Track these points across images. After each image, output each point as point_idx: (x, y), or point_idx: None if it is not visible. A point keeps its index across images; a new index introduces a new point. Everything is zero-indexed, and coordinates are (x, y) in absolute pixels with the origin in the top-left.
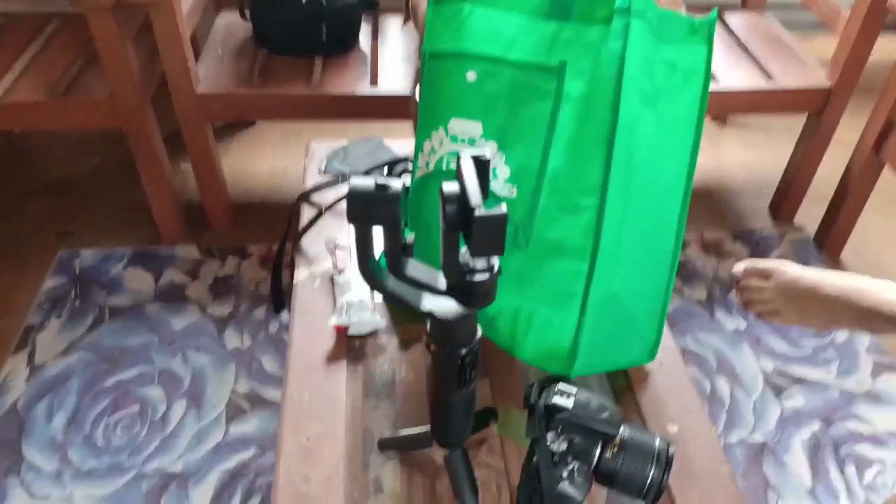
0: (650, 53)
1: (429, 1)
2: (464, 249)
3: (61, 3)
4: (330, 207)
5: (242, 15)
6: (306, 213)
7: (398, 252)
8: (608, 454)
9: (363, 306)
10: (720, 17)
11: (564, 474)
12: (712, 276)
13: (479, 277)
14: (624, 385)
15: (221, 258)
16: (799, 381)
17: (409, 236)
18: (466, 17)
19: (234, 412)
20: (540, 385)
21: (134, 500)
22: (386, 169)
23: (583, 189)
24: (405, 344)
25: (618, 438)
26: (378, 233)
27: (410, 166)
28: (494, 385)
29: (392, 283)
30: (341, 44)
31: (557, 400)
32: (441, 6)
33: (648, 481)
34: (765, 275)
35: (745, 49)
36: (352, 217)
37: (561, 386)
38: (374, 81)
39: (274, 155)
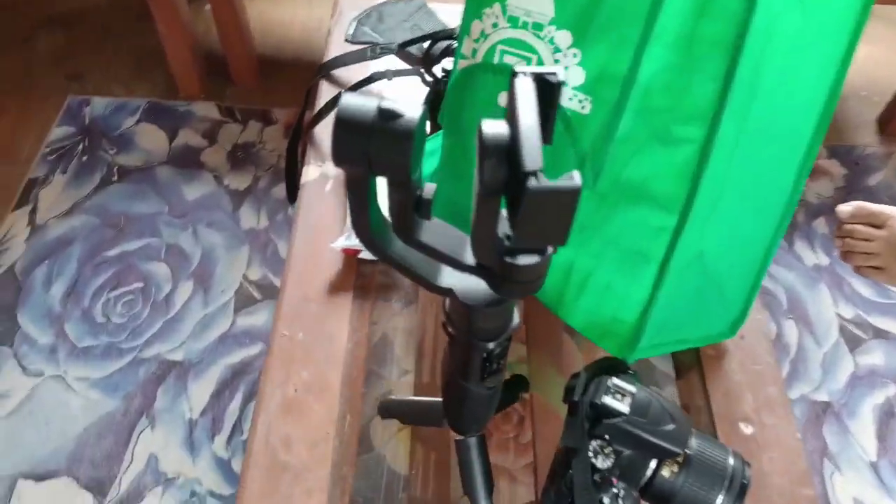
0: None
1: None
2: (505, 215)
3: None
4: (352, 90)
5: None
6: (326, 90)
7: (409, 210)
8: (666, 472)
9: None
10: None
11: (606, 500)
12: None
13: (523, 260)
14: (690, 362)
15: (243, 121)
16: (881, 334)
17: (427, 188)
18: None
19: (243, 300)
20: (588, 375)
21: (129, 387)
22: (427, 44)
23: (687, 112)
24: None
25: (682, 453)
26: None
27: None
28: (532, 340)
29: (400, 248)
30: None
31: (609, 401)
32: None
33: None
34: (877, 221)
35: None
36: (339, 157)
37: (616, 381)
38: None
39: (308, 3)
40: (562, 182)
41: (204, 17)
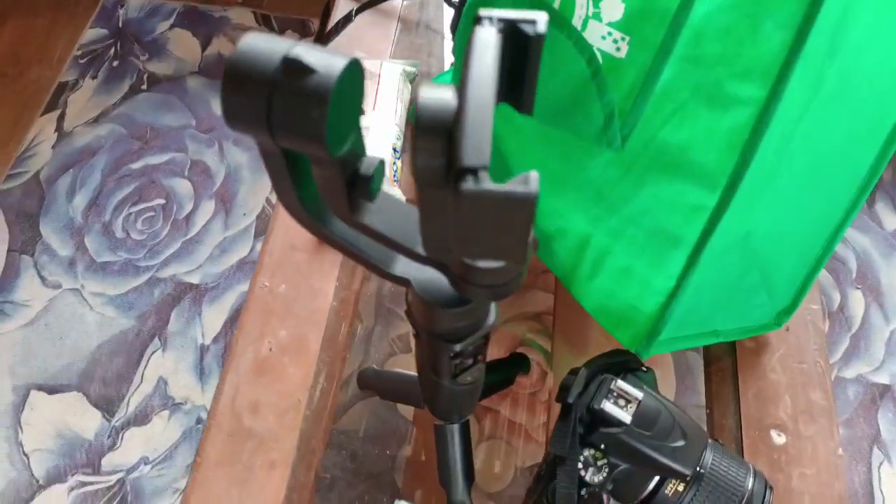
0: None
1: None
2: None
3: None
4: (365, 8)
5: None
6: (342, 5)
7: (340, 190)
8: (668, 491)
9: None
10: None
11: None
12: None
13: (483, 264)
14: (723, 352)
15: (280, 30)
16: None
17: (367, 162)
18: None
19: (264, 226)
20: (589, 373)
21: (144, 306)
22: None
23: (746, 67)
24: None
25: (715, 461)
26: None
27: None
28: (560, 314)
29: (343, 231)
30: None
31: (609, 407)
32: None
33: None
34: None
35: None
36: (231, 118)
37: (621, 384)
38: None
39: None
40: (511, 186)
41: None
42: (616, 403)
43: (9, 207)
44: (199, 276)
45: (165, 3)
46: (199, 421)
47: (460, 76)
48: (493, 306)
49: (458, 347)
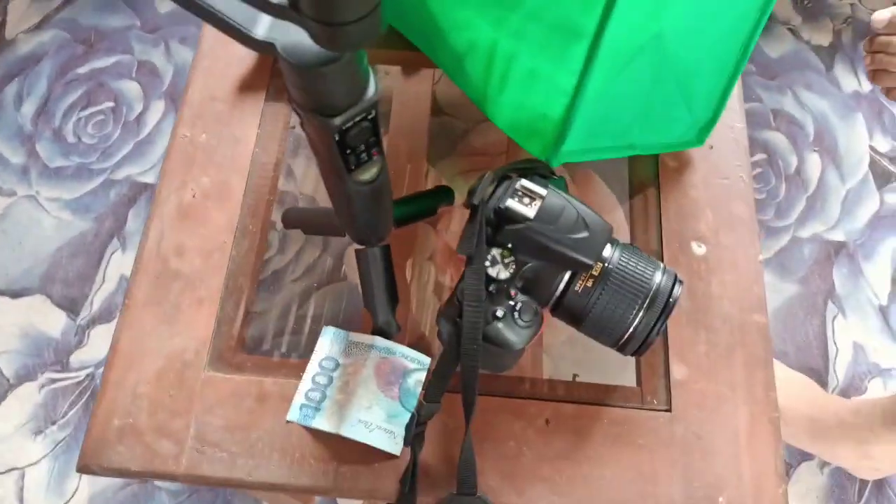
0: None
1: None
2: None
3: None
4: None
5: None
6: None
7: None
8: (577, 287)
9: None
10: None
11: (500, 312)
12: (847, 15)
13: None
14: (648, 175)
15: None
16: None
17: None
18: None
19: None
20: (495, 176)
21: (101, 208)
22: None
23: None
24: None
25: (598, 266)
26: None
27: None
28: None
29: None
30: None
31: (513, 204)
32: None
33: (630, 330)
34: None
35: None
36: None
37: (525, 183)
38: None
39: None
40: None
41: None
42: (520, 201)
43: None
44: (153, 176)
45: None
46: None
47: None
48: (371, 78)
49: (338, 121)
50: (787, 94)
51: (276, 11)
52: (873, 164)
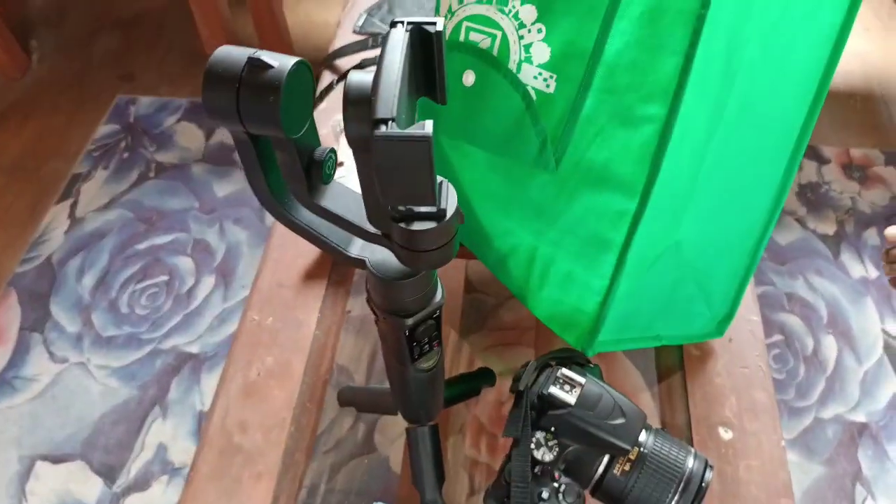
0: None
1: None
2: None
3: None
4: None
5: None
6: (327, 80)
7: (299, 173)
8: (616, 470)
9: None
10: None
11: (545, 493)
12: (849, 207)
13: (417, 226)
14: (674, 363)
15: None
16: None
17: (319, 150)
18: None
19: None
20: (538, 365)
21: (145, 376)
22: None
23: (649, 90)
24: None
25: (634, 451)
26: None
27: None
28: (540, 346)
29: (305, 215)
30: None
31: (555, 391)
32: None
33: None
34: None
35: None
36: (210, 110)
37: (566, 372)
38: None
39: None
40: (411, 130)
41: (244, 21)
42: (562, 388)
43: (22, 289)
44: (198, 346)
45: (173, 100)
46: None
47: (377, 64)
48: (439, 286)
49: (410, 322)
50: (798, 278)
51: (371, 238)
52: (888, 347)
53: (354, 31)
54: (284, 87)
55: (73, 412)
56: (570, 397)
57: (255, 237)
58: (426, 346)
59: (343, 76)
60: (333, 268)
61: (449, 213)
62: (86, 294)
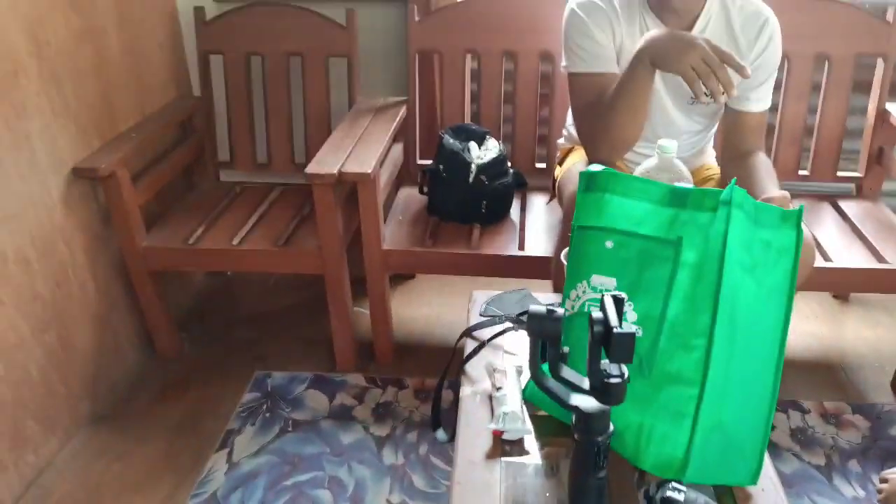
0: (748, 234)
1: (579, 189)
2: (603, 362)
3: (281, 176)
4: (489, 340)
5: (421, 191)
6: (469, 345)
7: (557, 359)
8: None
9: (516, 417)
10: (835, 205)
11: None
12: (832, 444)
13: (614, 381)
14: (729, 502)
15: (383, 387)
16: None
17: (565, 348)
18: (607, 202)
19: None
20: (658, 483)
21: None
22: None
23: (695, 332)
24: (544, 446)
25: None
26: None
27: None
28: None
29: (551, 383)
30: (497, 215)
31: (671, 493)
32: (588, 194)
33: None
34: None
35: (858, 233)
36: (529, 331)
37: (674, 484)
38: (521, 246)
39: (430, 304)
40: (627, 328)
41: (355, 315)
42: (673, 492)
43: None
44: None
45: (300, 373)
46: None
47: (601, 308)
48: (610, 423)
49: (599, 439)
50: (804, 498)
51: (585, 392)
52: None
53: (480, 314)
54: (563, 321)
55: None
56: (680, 497)
57: (377, 472)
58: (604, 459)
59: (482, 344)
60: (502, 451)
61: (625, 376)
62: None
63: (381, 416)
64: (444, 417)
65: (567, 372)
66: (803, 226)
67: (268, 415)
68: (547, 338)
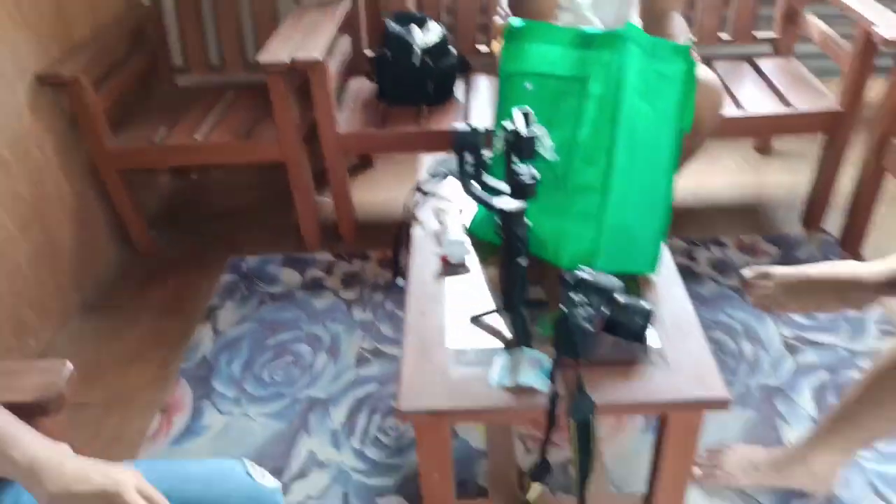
0: (644, 65)
1: (504, 41)
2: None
3: (235, 77)
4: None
5: (370, 78)
6: (420, 199)
7: (480, 168)
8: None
9: (459, 243)
10: (753, 64)
11: (583, 313)
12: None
13: (524, 178)
14: (634, 286)
15: (349, 260)
16: (813, 343)
17: (487, 155)
18: (526, 50)
19: (361, 361)
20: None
21: (291, 416)
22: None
23: (599, 149)
24: (484, 265)
25: (621, 299)
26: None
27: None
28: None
29: (475, 189)
30: (443, 95)
31: (581, 274)
32: (510, 44)
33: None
34: (766, 276)
35: (770, 85)
36: (455, 146)
37: (584, 268)
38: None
39: (388, 188)
40: (530, 133)
41: (318, 203)
42: (583, 273)
43: (189, 377)
44: (324, 393)
45: (273, 256)
46: (340, 471)
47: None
48: (526, 221)
49: (518, 232)
50: (719, 312)
51: (506, 194)
52: (784, 342)
53: (427, 174)
54: (482, 136)
55: (242, 442)
56: (587, 276)
57: (349, 327)
58: (521, 247)
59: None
60: (447, 270)
61: (534, 176)
62: (236, 374)
63: (349, 283)
64: (403, 270)
65: (489, 179)
66: (709, 71)
67: (246, 292)
68: (469, 149)
